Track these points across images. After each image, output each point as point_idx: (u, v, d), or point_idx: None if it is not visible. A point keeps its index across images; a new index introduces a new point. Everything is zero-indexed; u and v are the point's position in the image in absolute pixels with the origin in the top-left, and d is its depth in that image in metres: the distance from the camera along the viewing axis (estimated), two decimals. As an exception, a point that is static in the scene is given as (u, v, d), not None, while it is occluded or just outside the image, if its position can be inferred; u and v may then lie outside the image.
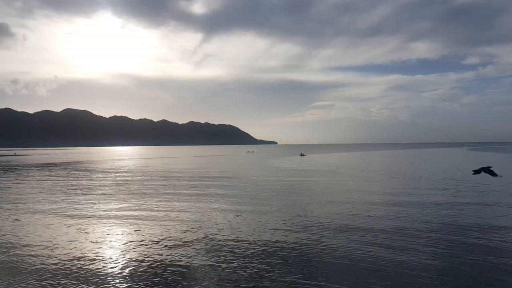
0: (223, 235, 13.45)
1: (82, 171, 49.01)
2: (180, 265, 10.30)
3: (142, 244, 12.40)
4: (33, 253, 11.53)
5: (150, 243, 12.57)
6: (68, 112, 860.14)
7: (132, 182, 33.08)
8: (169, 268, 10.11)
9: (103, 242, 12.75)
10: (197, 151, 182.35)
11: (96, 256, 11.17)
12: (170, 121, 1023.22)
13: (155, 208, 19.28)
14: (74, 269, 10.00)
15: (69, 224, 15.63)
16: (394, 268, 9.83)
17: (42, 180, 36.02)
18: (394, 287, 8.72)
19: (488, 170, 31.85)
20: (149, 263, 10.52)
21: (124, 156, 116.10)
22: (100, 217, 17.25)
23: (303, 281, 9.06)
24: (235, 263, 10.39)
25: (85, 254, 11.31)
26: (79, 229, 14.78)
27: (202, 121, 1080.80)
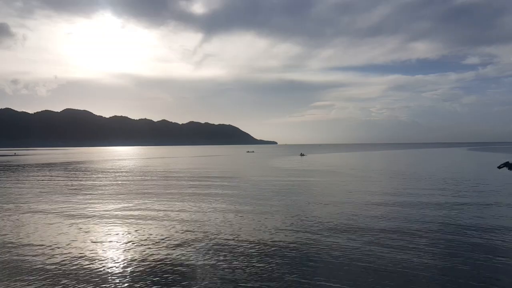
0: (223, 235, 13.46)
1: (82, 171, 49.05)
2: (180, 265, 10.31)
3: (142, 244, 12.41)
4: (33, 253, 11.54)
5: (150, 243, 12.58)
6: (68, 112, 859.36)
7: (132, 182, 33.11)
8: (169, 268, 10.12)
9: (103, 242, 12.77)
10: (197, 151, 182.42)
11: (96, 256, 11.18)
12: (170, 121, 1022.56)
13: (155, 208, 19.30)
14: (74, 269, 10.02)
15: (69, 224, 15.65)
16: (394, 268, 9.84)
17: (42, 180, 36.05)
18: (394, 287, 8.74)
19: (510, 165, 40.68)
20: (149, 263, 10.54)
21: (124, 156, 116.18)
22: (101, 217, 17.27)
23: (303, 281, 9.07)
24: (235, 263, 10.40)
25: (85, 254, 11.32)
26: (80, 229, 14.80)
27: (202, 121, 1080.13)
